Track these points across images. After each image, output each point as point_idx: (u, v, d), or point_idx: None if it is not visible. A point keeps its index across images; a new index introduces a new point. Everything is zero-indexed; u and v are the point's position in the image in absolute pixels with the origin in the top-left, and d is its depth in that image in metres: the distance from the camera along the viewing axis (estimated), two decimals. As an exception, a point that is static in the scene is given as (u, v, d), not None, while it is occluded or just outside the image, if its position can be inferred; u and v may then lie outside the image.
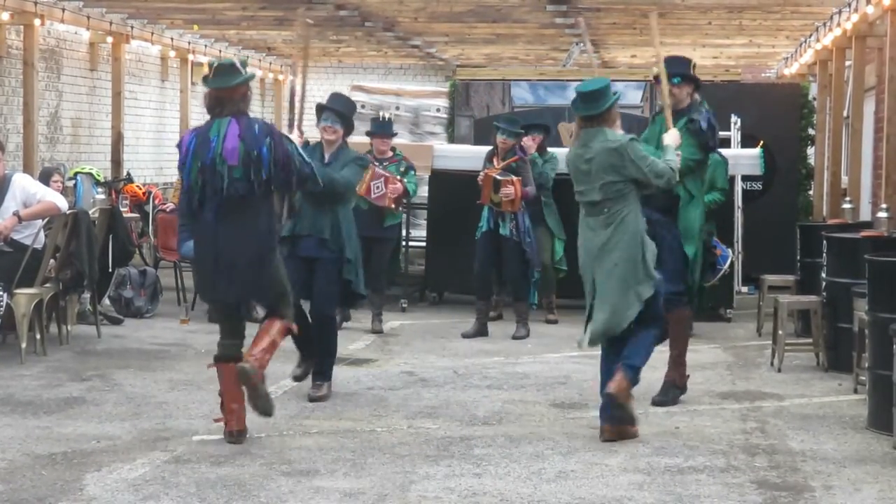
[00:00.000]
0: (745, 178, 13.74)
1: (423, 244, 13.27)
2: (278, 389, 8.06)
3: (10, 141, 13.76)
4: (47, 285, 9.50)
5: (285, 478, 6.09)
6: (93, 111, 16.40)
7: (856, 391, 8.30)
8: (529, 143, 11.64)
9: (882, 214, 10.12)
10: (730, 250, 11.44)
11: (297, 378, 8.15)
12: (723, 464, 6.47)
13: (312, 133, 8.22)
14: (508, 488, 5.96)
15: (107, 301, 11.13)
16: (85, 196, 13.07)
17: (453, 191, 11.40)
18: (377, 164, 10.88)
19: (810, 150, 15.37)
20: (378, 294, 11.11)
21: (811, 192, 15.41)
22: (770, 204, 14.36)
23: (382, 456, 6.54)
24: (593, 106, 7.06)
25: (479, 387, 8.51)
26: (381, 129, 11.15)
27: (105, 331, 10.47)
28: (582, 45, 17.25)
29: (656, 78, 7.91)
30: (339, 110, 8.14)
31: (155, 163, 18.36)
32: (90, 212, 10.42)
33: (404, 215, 12.02)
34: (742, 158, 12.36)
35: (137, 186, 14.81)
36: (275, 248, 6.92)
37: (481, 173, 10.85)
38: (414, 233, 13.30)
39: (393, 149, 11.20)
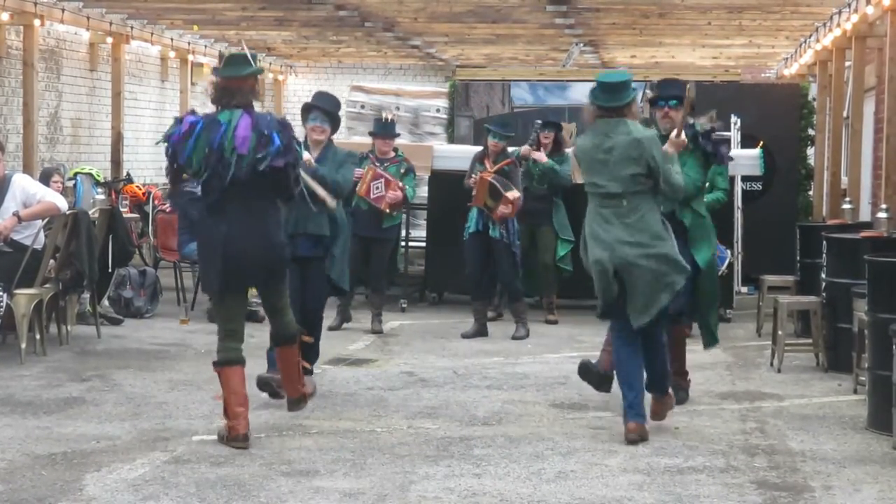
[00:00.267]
0: (745, 179, 13.74)
1: (423, 244, 13.28)
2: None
3: (10, 141, 13.77)
4: (47, 285, 9.50)
5: (285, 478, 6.09)
6: (93, 111, 16.40)
7: (855, 391, 8.30)
8: (545, 140, 11.67)
9: (882, 215, 10.11)
10: (728, 251, 11.44)
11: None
12: (722, 464, 6.47)
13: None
14: (508, 488, 5.96)
15: (106, 301, 11.13)
16: (85, 196, 13.07)
17: (453, 191, 11.39)
18: (378, 164, 10.89)
19: (810, 151, 15.37)
20: (378, 294, 11.12)
21: (811, 193, 15.42)
22: (770, 204, 14.37)
23: (382, 456, 6.54)
24: (616, 97, 6.98)
25: (479, 387, 8.51)
26: (384, 130, 11.15)
27: (105, 331, 10.47)
28: (581, 45, 17.27)
29: (651, 101, 7.85)
30: (327, 109, 8.11)
31: (155, 163, 18.35)
32: (90, 212, 10.41)
33: (404, 216, 12.03)
34: (742, 159, 12.35)
35: (137, 187, 14.83)
36: (285, 245, 6.93)
37: (474, 175, 10.82)
38: (414, 233, 13.31)
39: (395, 149, 11.21)
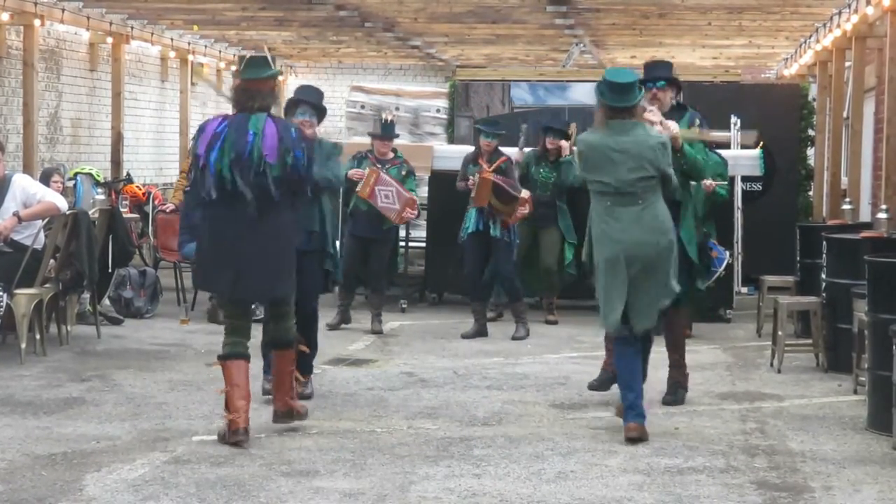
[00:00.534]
0: (744, 179, 13.73)
1: (423, 245, 13.28)
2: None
3: (10, 141, 13.76)
4: (47, 286, 9.50)
5: (285, 478, 6.09)
6: (93, 111, 16.40)
7: (855, 392, 8.30)
8: (551, 145, 11.67)
9: (882, 215, 10.11)
10: (727, 252, 11.43)
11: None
12: (722, 464, 6.47)
13: None
14: (508, 489, 5.96)
15: (107, 301, 11.12)
16: (85, 196, 13.07)
17: (453, 191, 11.39)
18: (379, 165, 10.87)
19: (810, 151, 15.37)
20: (377, 295, 11.12)
21: (811, 193, 15.41)
22: (770, 204, 14.36)
23: (382, 456, 6.54)
24: (627, 98, 7.01)
25: (479, 387, 8.51)
26: (385, 131, 11.16)
27: (105, 331, 10.47)
28: (582, 45, 17.26)
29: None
30: (314, 103, 8.11)
31: (155, 163, 18.37)
32: (90, 212, 10.41)
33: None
34: (742, 159, 12.36)
35: (137, 187, 14.81)
36: (294, 253, 6.98)
37: (472, 177, 10.80)
38: (413, 233, 13.30)
39: (394, 150, 11.21)
